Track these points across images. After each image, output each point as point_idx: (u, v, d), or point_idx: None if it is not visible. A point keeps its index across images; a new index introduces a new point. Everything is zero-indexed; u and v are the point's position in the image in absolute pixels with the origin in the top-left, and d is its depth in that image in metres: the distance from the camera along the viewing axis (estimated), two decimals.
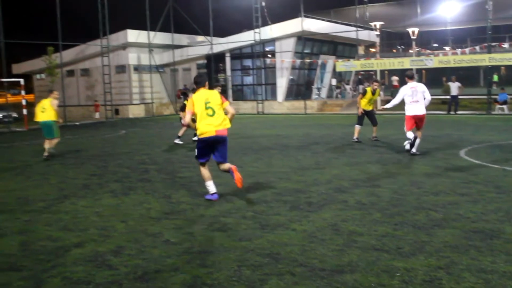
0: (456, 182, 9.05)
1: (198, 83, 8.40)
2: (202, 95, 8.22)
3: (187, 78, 40.80)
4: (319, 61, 37.52)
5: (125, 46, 37.63)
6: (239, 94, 38.55)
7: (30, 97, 48.20)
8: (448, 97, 28.37)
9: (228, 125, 8.41)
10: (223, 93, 34.73)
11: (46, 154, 14.27)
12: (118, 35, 36.93)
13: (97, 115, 35.96)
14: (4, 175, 11.87)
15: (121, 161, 13.24)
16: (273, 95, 36.22)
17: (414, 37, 41.73)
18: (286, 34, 34.59)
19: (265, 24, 35.16)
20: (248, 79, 38.42)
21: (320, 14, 44.48)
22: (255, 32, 34.34)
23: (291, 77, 36.29)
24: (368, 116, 15.62)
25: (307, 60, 36.22)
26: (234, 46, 36.77)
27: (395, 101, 13.08)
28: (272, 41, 35.64)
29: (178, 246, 5.93)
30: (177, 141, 16.77)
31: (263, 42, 35.33)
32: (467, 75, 44.95)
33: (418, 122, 12.38)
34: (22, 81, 28.82)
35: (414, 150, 12.40)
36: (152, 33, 36.63)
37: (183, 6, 37.84)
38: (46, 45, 35.55)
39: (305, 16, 34.70)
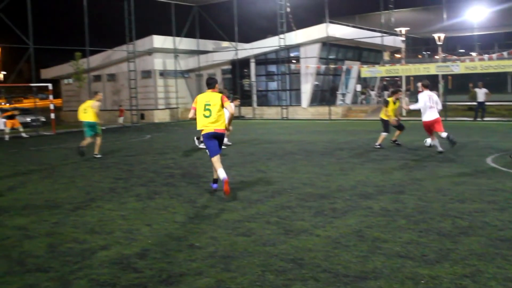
0: (482, 189, 8.94)
1: (209, 85, 9.45)
2: (205, 96, 9.26)
3: None
4: (344, 67, 37.37)
5: (151, 51, 37.99)
6: (263, 100, 38.59)
7: (58, 101, 48.95)
8: (474, 103, 28.02)
9: (223, 127, 9.33)
10: (243, 99, 34.73)
11: (82, 146, 15.49)
12: (144, 40, 37.31)
13: (121, 119, 36.35)
14: (32, 178, 12.07)
15: (147, 166, 13.37)
16: (298, 101, 36.19)
17: (440, 43, 41.31)
18: (311, 40, 34.55)
19: (290, 30, 35.19)
20: (273, 85, 38.44)
21: (345, 19, 44.41)
22: (280, 38, 34.38)
23: (315, 82, 36.21)
24: (393, 124, 15.72)
25: (332, 66, 36.12)
26: (258, 52, 36.85)
27: (417, 105, 13.80)
28: (297, 46, 35.62)
29: (202, 250, 5.96)
30: (200, 145, 16.92)
31: (288, 48, 35.34)
32: (494, 81, 44.36)
33: (435, 124, 13.50)
34: (50, 85, 29.28)
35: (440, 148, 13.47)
36: (177, 39, 36.96)
37: (208, 12, 38.18)
38: (73, 50, 36.13)
39: (330, 22, 34.64)
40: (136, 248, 6.13)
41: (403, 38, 40.69)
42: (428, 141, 14.45)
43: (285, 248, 5.95)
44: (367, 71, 32.27)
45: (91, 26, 31.56)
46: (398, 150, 14.66)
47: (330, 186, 9.66)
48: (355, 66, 37.52)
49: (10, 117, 25.59)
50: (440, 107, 13.61)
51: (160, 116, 37.68)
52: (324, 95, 37.36)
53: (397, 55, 49.96)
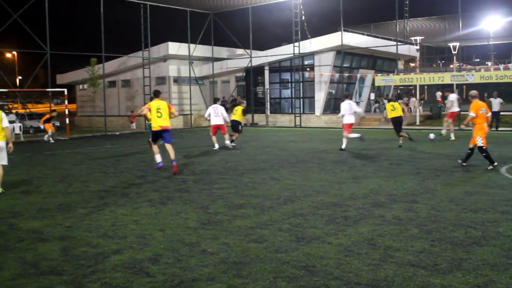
0: (496, 199, 8.89)
1: (155, 95, 13.51)
2: (156, 103, 13.20)
3: (226, 91, 41.11)
4: (358, 75, 37.33)
5: (165, 58, 38.22)
6: (276, 107, 38.62)
7: (73, 106, 49.36)
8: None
9: (169, 123, 13.25)
10: (256, 106, 34.74)
11: (227, 141, 19.25)
12: (159, 47, 37.54)
13: (133, 125, 36.52)
14: (46, 182, 12.18)
15: (159, 171, 13.43)
16: (311, 109, 36.17)
17: (455, 52, 41.23)
18: (325, 48, 34.56)
19: (304, 38, 35.24)
20: (286, 92, 38.47)
21: (360, 28, 44.43)
22: (294, 46, 34.43)
23: (329, 90, 36.20)
24: (398, 123, 18.56)
25: (346, 74, 36.10)
26: (273, 60, 36.91)
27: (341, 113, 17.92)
28: (311, 54, 35.63)
29: (214, 256, 5.99)
30: (230, 144, 19.39)
31: (302, 56, 35.37)
32: (510, 91, 44.08)
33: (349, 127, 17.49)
34: (65, 91, 29.54)
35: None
36: (192, 46, 37.12)
37: (223, 19, 38.32)
38: (89, 56, 36.43)
39: (345, 30, 34.67)
40: (149, 253, 6.18)
41: (418, 47, 40.61)
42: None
43: (297, 255, 5.97)
44: (381, 79, 32.21)
45: (107, 32, 31.86)
46: (411, 159, 14.61)
47: (342, 194, 9.66)
48: (369, 75, 37.47)
49: (48, 120, 25.99)
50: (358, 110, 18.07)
51: (174, 122, 37.78)
52: (338, 103, 37.16)
53: (412, 64, 49.87)
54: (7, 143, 10.72)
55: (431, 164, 13.54)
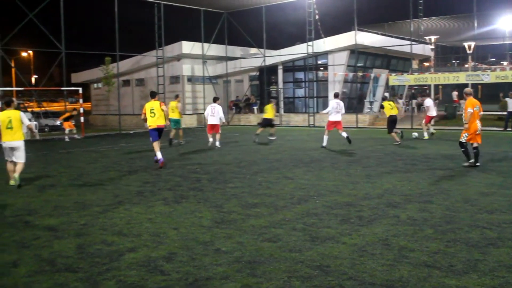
0: None
1: (152, 96, 14.67)
2: (150, 104, 14.40)
3: (240, 90, 41.13)
4: (372, 75, 37.17)
5: (179, 57, 38.32)
6: (290, 107, 38.56)
7: (87, 105, 49.67)
8: (505, 113, 27.60)
9: (163, 121, 14.47)
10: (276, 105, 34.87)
11: (172, 138, 20.77)
12: (173, 46, 37.64)
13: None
14: (62, 180, 12.27)
15: (173, 170, 13.48)
16: (325, 108, 35.98)
17: (470, 51, 40.92)
18: (339, 47, 34.46)
19: (318, 37, 35.14)
20: (300, 92, 38.40)
21: (374, 27, 44.22)
22: (308, 45, 34.36)
23: (343, 90, 36.08)
24: (393, 121, 19.97)
25: (360, 74, 35.97)
26: (286, 59, 36.86)
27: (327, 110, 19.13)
28: (325, 54, 35.54)
29: (228, 255, 6.01)
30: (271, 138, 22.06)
31: (316, 55, 35.29)
32: None
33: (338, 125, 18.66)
34: (80, 89, 29.73)
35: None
36: (206, 45, 37.18)
37: (237, 19, 38.31)
38: (104, 55, 36.67)
39: (359, 30, 34.53)
40: (163, 251, 6.20)
41: (433, 47, 40.37)
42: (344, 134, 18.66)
43: (311, 254, 5.96)
44: (396, 79, 32.05)
45: (121, 32, 32.00)
46: (426, 160, 14.52)
47: (356, 194, 9.63)
48: (383, 74, 37.31)
49: (67, 119, 26.24)
50: (343, 112, 18.85)
51: (188, 121, 37.91)
52: (352, 102, 37.15)
53: (426, 64, 49.57)
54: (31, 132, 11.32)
55: (445, 164, 13.46)
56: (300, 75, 38.14)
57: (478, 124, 12.70)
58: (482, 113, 12.96)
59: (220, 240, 6.64)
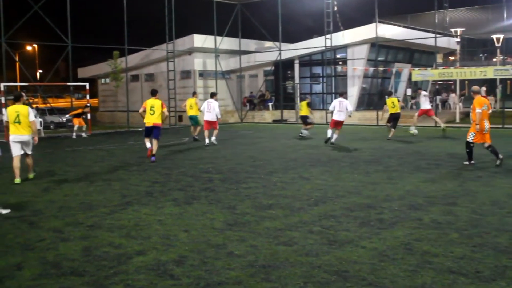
0: None
1: (153, 94, 15.56)
2: (151, 102, 15.30)
3: (254, 85, 41.14)
4: (394, 70, 36.98)
5: (191, 51, 38.41)
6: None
7: (94, 101, 49.99)
8: None
9: (160, 121, 15.25)
10: (285, 102, 34.69)
11: (196, 136, 22.03)
12: (184, 40, 37.72)
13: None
14: (67, 179, 12.36)
15: (185, 169, 13.53)
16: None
17: (499, 44, 40.52)
18: (359, 41, 34.33)
19: (336, 30, 35.03)
20: (317, 88, 38.33)
21: (396, 19, 44.01)
22: (326, 38, 34.27)
23: (363, 85, 35.96)
24: (395, 119, 21.12)
25: (381, 68, 35.81)
26: (303, 53, 36.80)
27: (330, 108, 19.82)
28: (344, 47, 35.43)
29: (241, 259, 6.01)
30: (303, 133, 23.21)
31: (334, 49, 35.19)
32: None
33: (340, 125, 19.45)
34: (87, 85, 29.92)
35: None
36: (218, 38, 37.21)
37: (251, 11, 38.27)
38: (111, 49, 36.83)
39: (380, 22, 34.34)
40: (173, 255, 6.23)
41: (458, 39, 39.98)
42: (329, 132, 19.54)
43: (328, 259, 5.95)
44: (419, 74, 31.85)
45: (130, 24, 32.13)
46: (450, 160, 14.43)
47: (377, 196, 9.60)
48: (405, 69, 37.12)
49: (78, 115, 26.53)
50: (349, 109, 19.31)
51: (199, 118, 38.03)
52: (372, 99, 37.03)
53: (452, 58, 49.25)
54: (33, 137, 12.06)
55: (472, 166, 13.34)
56: (318, 70, 38.07)
57: (486, 123, 12.92)
58: (491, 111, 13.22)
59: (233, 243, 6.65)
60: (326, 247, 6.41)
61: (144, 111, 15.27)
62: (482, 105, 12.93)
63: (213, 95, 20.71)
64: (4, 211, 8.71)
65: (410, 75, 34.54)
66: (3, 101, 25.09)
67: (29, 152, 12.22)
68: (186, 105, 22.52)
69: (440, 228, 7.19)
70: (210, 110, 19.83)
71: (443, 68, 33.13)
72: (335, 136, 19.37)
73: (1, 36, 26.00)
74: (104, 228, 7.61)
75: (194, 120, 22.24)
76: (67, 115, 27.74)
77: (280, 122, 35.92)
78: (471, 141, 13.13)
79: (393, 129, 21.22)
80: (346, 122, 33.86)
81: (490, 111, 13.25)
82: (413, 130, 22.40)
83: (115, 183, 11.67)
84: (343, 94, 20.43)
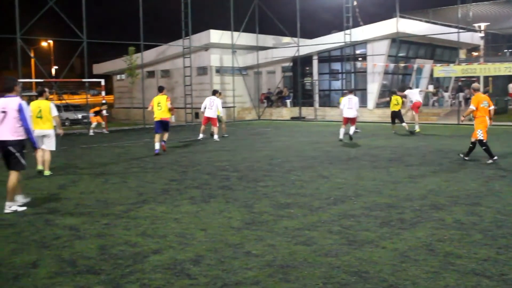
0: None
1: (159, 90, 16.98)
2: (158, 98, 16.70)
3: (272, 82, 41.12)
4: (415, 66, 36.74)
5: (207, 47, 38.47)
6: (326, 100, 38.39)
7: (110, 98, 50.28)
8: None
9: (167, 115, 16.70)
10: (304, 99, 34.53)
11: (215, 135, 21.49)
12: (201, 35, 37.77)
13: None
14: (83, 176, 12.46)
15: (201, 167, 13.56)
16: (363, 102, 35.73)
17: None
18: (379, 36, 34.14)
19: (356, 25, 34.89)
20: (336, 84, 38.19)
21: (417, 14, 43.64)
22: (345, 34, 34.15)
23: (383, 82, 35.76)
24: (397, 116, 22.55)
25: (402, 64, 35.59)
26: (322, 48, 36.69)
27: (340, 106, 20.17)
28: (364, 43, 35.26)
29: (259, 259, 6.02)
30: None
31: (354, 45, 35.04)
32: None
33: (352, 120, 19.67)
34: (102, 81, 30.10)
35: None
36: (235, 34, 37.22)
37: (269, 6, 38.21)
38: (127, 45, 36.99)
39: (401, 17, 34.14)
40: (190, 254, 6.25)
41: (482, 35, 39.62)
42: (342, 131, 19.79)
43: (348, 259, 5.93)
44: (441, 70, 31.61)
45: (146, 20, 32.24)
46: (474, 157, 14.30)
47: (398, 195, 9.55)
48: (427, 65, 36.85)
49: (97, 113, 26.91)
50: (357, 107, 19.70)
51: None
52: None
53: (475, 53, 48.73)
54: (56, 131, 12.85)
55: (495, 164, 13.22)
56: (337, 66, 37.94)
57: (487, 120, 13.36)
58: (492, 107, 13.61)
59: (251, 243, 6.65)
60: (345, 247, 6.39)
61: (152, 107, 16.63)
62: (481, 102, 13.33)
63: (215, 92, 21.94)
64: (20, 209, 8.81)
65: (431, 71, 34.29)
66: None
67: (50, 149, 12.65)
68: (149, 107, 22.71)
69: (464, 229, 7.13)
70: (212, 107, 21.12)
71: (466, 64, 32.83)
72: (352, 128, 19.65)
73: (16, 32, 26.23)
74: (120, 226, 7.65)
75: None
76: (91, 113, 28.11)
77: (298, 119, 35.86)
78: (482, 138, 13.30)
79: (404, 123, 22.47)
80: (366, 119, 33.90)
81: (492, 107, 13.59)
82: (417, 128, 23.11)
83: (131, 180, 11.74)
84: (352, 91, 21.01)
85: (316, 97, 37.80)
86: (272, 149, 17.64)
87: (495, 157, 13.36)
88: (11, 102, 8.71)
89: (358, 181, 11.11)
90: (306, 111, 36.97)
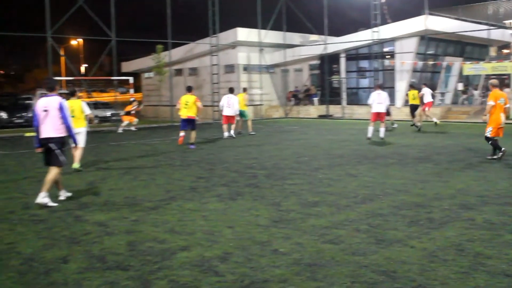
0: None
1: (188, 90, 18.41)
2: (186, 97, 17.99)
3: (299, 80, 41.03)
4: (444, 63, 36.33)
5: (234, 45, 38.52)
6: (353, 98, 38.17)
7: (138, 95, 50.69)
8: None
9: (193, 113, 17.93)
10: (331, 97, 34.39)
11: (232, 131, 21.95)
12: (228, 33, 37.85)
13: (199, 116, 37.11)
14: (112, 173, 12.59)
15: (228, 165, 13.60)
16: (391, 100, 35.41)
17: None
18: (408, 34, 33.83)
19: (384, 22, 34.66)
20: (364, 82, 37.96)
21: (447, 11, 43.10)
22: (373, 31, 33.93)
23: (411, 80, 35.42)
24: (415, 109, 24.14)
25: (430, 62, 35.21)
26: (349, 46, 36.51)
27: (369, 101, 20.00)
28: (392, 41, 34.99)
29: (287, 257, 6.01)
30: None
31: (382, 42, 34.80)
32: None
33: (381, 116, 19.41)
34: (131, 79, 30.36)
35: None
36: (263, 32, 37.24)
37: (296, 3, 38.16)
38: (155, 43, 37.24)
39: (430, 14, 33.78)
40: (218, 251, 6.27)
41: None
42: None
43: (376, 258, 5.89)
44: (470, 68, 31.22)
45: (174, 18, 32.44)
46: (506, 156, 14.08)
47: (426, 194, 9.45)
48: (456, 63, 36.39)
49: (128, 113, 27.33)
50: (387, 103, 19.67)
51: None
52: (421, 94, 36.44)
53: (506, 51, 47.96)
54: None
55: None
56: (365, 63, 37.72)
57: (502, 117, 13.37)
58: (508, 105, 13.74)
59: (278, 241, 6.65)
60: (373, 246, 6.34)
61: (179, 104, 18.04)
62: (498, 98, 13.35)
63: (232, 90, 22.45)
64: (51, 204, 8.95)
65: (461, 69, 33.87)
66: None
67: (80, 145, 12.80)
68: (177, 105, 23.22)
69: (494, 229, 7.03)
70: (230, 106, 21.63)
71: (497, 62, 32.37)
72: (382, 130, 19.46)
73: (46, 31, 26.61)
74: (149, 223, 7.71)
75: (242, 114, 23.04)
76: (122, 112, 28.55)
77: (326, 117, 35.74)
78: (489, 135, 13.50)
79: (416, 117, 24.06)
80: (394, 118, 33.60)
81: (508, 105, 13.72)
82: (436, 121, 24.59)
83: (159, 178, 11.82)
84: (381, 86, 20.80)
85: (344, 95, 37.60)
86: (299, 147, 17.60)
87: (504, 149, 13.48)
88: (53, 101, 9.20)
89: (386, 179, 11.02)
90: (334, 109, 36.82)
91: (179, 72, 43.16)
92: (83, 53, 74.28)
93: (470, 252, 6.09)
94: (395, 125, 24.66)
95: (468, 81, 40.01)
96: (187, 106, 17.79)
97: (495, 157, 13.61)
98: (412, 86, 24.56)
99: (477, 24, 37.54)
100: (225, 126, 21.83)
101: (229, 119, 21.85)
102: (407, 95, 23.80)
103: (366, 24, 36.63)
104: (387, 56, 36.12)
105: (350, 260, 5.86)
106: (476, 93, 39.23)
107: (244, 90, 24.65)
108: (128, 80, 31.01)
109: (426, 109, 24.24)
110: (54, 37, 27.75)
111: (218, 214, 8.15)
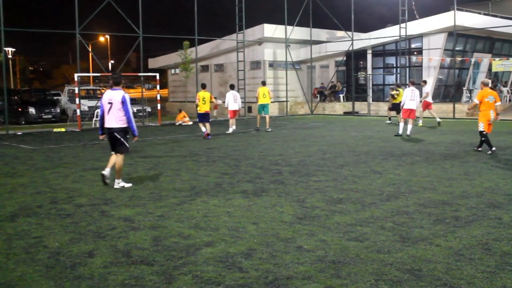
0: None
1: (203, 87, 20.69)
2: (202, 93, 20.21)
3: (325, 76, 40.85)
4: (472, 60, 35.84)
5: (261, 41, 38.49)
6: (380, 95, 37.88)
7: (164, 92, 51.00)
8: None
9: (208, 108, 20.18)
10: (357, 93, 34.12)
11: (258, 127, 23.66)
12: (254, 29, 37.84)
13: (215, 112, 37.27)
14: (137, 169, 12.69)
15: (253, 161, 13.61)
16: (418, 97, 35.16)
17: None
18: (436, 30, 33.44)
19: (412, 18, 34.25)
20: (391, 79, 37.61)
21: (476, 6, 42.55)
22: (400, 27, 33.58)
23: (439, 77, 35.04)
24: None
25: (458, 59, 34.78)
26: (376, 43, 36.21)
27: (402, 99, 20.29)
28: (419, 37, 34.64)
29: (311, 254, 6.00)
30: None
31: (409, 38, 34.44)
32: None
33: (412, 113, 19.57)
34: (157, 75, 30.54)
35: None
36: (289, 28, 37.12)
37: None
38: (182, 39, 37.38)
39: (458, 9, 33.32)
40: (242, 247, 6.29)
41: None
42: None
43: (401, 256, 5.86)
44: (499, 64, 30.78)
45: (200, 15, 32.51)
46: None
47: (453, 192, 9.35)
48: (485, 59, 35.88)
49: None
50: (418, 100, 19.87)
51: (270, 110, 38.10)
52: (448, 91, 36.06)
53: None
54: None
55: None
56: (391, 60, 37.38)
57: (491, 114, 14.22)
58: (498, 103, 14.41)
59: (302, 237, 6.65)
60: (398, 244, 6.30)
61: (198, 99, 20.13)
62: (486, 96, 14.21)
63: (233, 87, 24.03)
64: (127, 185, 10.29)
65: (490, 65, 33.39)
66: (77, 91, 26.02)
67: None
68: (259, 94, 23.58)
69: None
70: (236, 101, 23.30)
71: None
72: (409, 127, 19.58)
73: (75, 27, 26.91)
74: (173, 218, 7.76)
75: (263, 107, 23.55)
76: (148, 108, 29.15)
77: (352, 114, 35.52)
78: (482, 130, 14.31)
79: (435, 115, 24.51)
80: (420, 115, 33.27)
81: (498, 103, 14.40)
82: (420, 123, 24.47)
83: (184, 173, 11.89)
84: (415, 83, 21.16)
85: (370, 92, 37.32)
86: (324, 143, 17.55)
87: (494, 149, 14.17)
88: (116, 95, 10.25)
89: (411, 177, 10.94)
90: (360, 106, 36.57)
91: (205, 68, 43.30)
92: (111, 49, 74.99)
93: (496, 251, 6.01)
94: (420, 122, 24.54)
95: (497, 77, 39.43)
96: (205, 102, 20.06)
97: (480, 149, 14.69)
98: (398, 85, 25.43)
99: (507, 19, 36.94)
100: (232, 121, 23.20)
101: (236, 113, 23.48)
102: (397, 94, 24.32)
103: (393, 20, 36.34)
104: (414, 52, 35.76)
105: (375, 258, 5.84)
106: (505, 90, 38.63)
107: (263, 83, 24.75)
108: (154, 76, 31.18)
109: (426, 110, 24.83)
110: (82, 34, 28.04)
111: (242, 211, 8.18)
